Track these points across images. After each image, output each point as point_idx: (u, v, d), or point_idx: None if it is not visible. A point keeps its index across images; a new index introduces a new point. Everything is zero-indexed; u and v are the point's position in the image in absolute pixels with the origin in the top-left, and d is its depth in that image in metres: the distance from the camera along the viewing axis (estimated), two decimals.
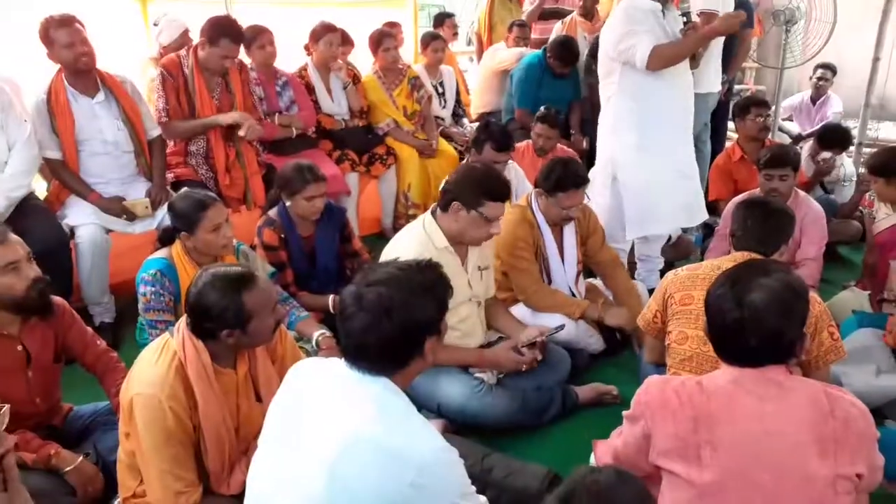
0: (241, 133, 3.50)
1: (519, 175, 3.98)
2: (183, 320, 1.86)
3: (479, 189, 2.44)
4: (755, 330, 1.46)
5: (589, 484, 1.09)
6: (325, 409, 1.43)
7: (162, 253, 2.56)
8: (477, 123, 5.05)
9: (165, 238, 2.61)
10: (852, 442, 1.42)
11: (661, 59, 3.18)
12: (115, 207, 3.23)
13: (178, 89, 3.49)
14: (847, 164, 4.70)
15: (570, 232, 3.08)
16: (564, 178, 2.87)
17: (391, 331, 1.40)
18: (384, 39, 4.49)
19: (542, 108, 4.20)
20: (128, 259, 3.14)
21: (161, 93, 3.47)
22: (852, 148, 5.19)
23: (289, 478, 1.42)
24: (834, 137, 4.39)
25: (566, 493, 1.09)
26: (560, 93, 4.96)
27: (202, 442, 1.82)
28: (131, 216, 3.25)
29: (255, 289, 1.81)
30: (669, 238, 3.90)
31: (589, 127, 4.78)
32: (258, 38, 3.91)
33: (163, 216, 3.21)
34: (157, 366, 1.79)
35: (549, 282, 3.08)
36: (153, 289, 2.47)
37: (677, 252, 4.00)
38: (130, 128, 3.29)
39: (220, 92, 3.56)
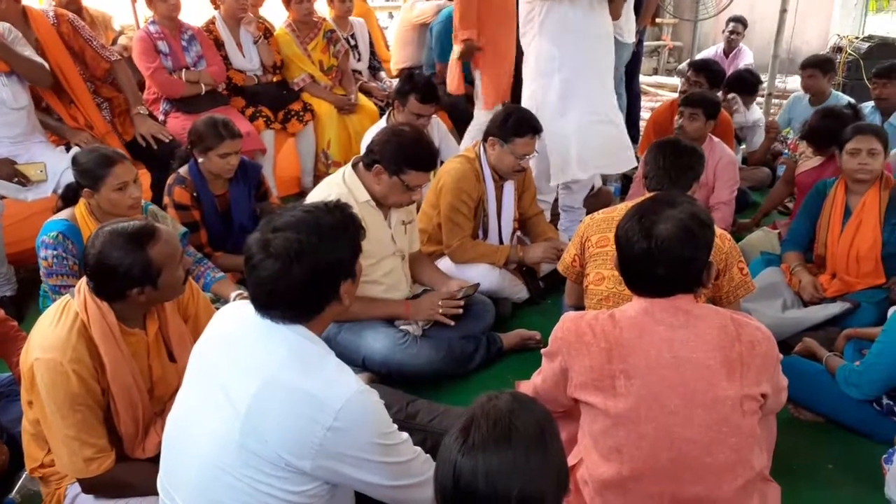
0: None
1: (442, 131, 3.93)
2: (83, 280, 1.76)
3: (402, 156, 2.38)
4: (662, 259, 1.48)
5: (488, 410, 1.10)
6: (240, 356, 1.39)
7: (64, 214, 2.42)
8: (397, 80, 4.94)
9: (68, 197, 2.46)
10: (757, 363, 1.48)
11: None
12: (5, 169, 3.01)
13: None
14: (755, 111, 4.86)
15: (509, 188, 3.08)
16: (521, 124, 2.85)
17: (302, 277, 1.35)
18: None
19: None
20: (27, 226, 2.97)
21: None
22: (761, 98, 5.38)
23: (203, 425, 1.38)
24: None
25: (466, 421, 1.10)
26: None
27: (113, 405, 1.74)
28: (24, 180, 3.04)
29: (159, 240, 1.72)
30: (592, 188, 3.96)
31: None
32: None
33: (58, 181, 3.01)
34: (57, 328, 1.69)
35: (485, 238, 3.07)
36: (55, 252, 2.34)
37: (598, 202, 4.04)
38: (18, 81, 3.04)
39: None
